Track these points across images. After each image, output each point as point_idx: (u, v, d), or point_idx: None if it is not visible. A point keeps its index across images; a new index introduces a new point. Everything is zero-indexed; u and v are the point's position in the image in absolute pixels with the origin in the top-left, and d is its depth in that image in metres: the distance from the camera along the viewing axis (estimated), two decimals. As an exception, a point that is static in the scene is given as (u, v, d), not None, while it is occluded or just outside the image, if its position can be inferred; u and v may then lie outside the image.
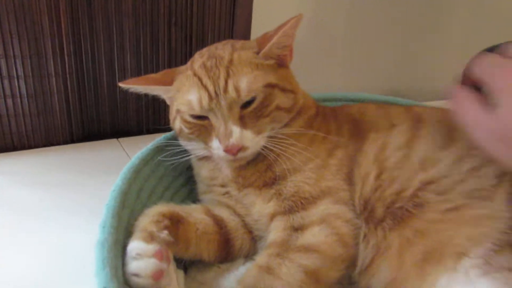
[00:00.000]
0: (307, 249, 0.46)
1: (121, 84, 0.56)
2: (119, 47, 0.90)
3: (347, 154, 0.54)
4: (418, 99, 1.30)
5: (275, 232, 0.49)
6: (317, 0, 1.16)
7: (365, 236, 0.50)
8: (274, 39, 0.52)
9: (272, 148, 0.52)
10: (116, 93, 0.94)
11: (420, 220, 0.47)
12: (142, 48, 0.92)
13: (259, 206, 0.53)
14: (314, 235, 0.47)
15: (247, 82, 0.50)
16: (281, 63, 0.55)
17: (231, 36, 1.01)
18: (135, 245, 0.41)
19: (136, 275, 0.39)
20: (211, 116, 0.52)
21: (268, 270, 0.44)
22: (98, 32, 0.87)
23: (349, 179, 0.53)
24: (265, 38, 0.54)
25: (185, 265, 0.52)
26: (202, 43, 0.98)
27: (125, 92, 0.94)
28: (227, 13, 0.99)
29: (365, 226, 0.50)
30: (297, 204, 0.51)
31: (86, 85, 0.90)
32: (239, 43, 0.56)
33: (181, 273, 0.48)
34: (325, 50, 1.23)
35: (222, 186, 0.57)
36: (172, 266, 0.44)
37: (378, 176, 0.51)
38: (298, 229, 0.48)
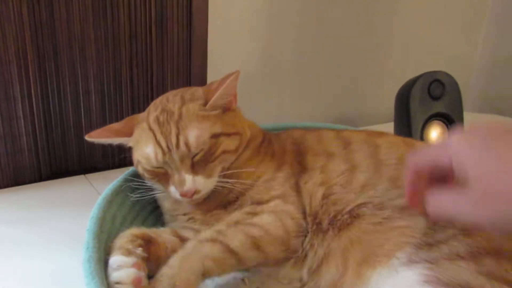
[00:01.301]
0: (253, 225, 0.55)
1: (86, 137, 0.64)
2: (84, 89, 0.97)
3: (292, 169, 0.64)
4: (360, 124, 1.44)
5: (232, 216, 0.58)
6: (266, 35, 1.27)
7: (312, 246, 0.58)
8: (217, 94, 0.60)
9: (224, 185, 0.61)
10: (82, 132, 0.99)
11: (356, 230, 0.56)
12: (106, 89, 0.99)
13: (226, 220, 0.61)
14: (262, 219, 0.56)
15: (195, 137, 0.58)
16: (226, 109, 0.64)
17: (189, 74, 1.10)
18: (116, 259, 0.48)
19: (118, 283, 0.46)
20: (166, 167, 0.60)
21: (218, 230, 0.54)
22: (64, 77, 0.94)
23: (297, 189, 0.62)
24: (211, 90, 0.63)
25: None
26: (162, 82, 1.06)
27: (92, 130, 1.00)
28: (184, 53, 1.08)
29: (313, 236, 0.59)
30: (253, 204, 0.60)
31: (53, 126, 0.96)
32: (188, 94, 0.64)
33: (153, 289, 0.55)
34: (275, 81, 1.33)
35: (185, 214, 0.65)
36: (146, 280, 0.51)
37: (325, 196, 0.60)
38: (250, 213, 0.58)
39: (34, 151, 0.94)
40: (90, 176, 1.00)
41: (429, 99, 1.01)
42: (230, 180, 0.60)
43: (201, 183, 0.59)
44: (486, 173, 0.37)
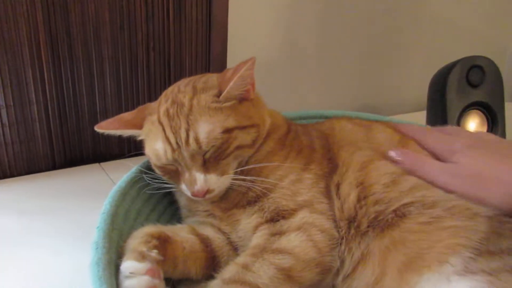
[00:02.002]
0: (280, 251, 0.49)
1: (96, 128, 0.60)
2: (99, 73, 0.92)
3: (322, 170, 0.57)
4: (385, 113, 1.37)
5: (255, 238, 0.52)
6: (288, 23, 1.21)
7: (350, 249, 0.52)
8: (231, 84, 0.54)
9: (241, 183, 0.55)
10: (97, 118, 0.96)
11: (399, 230, 0.50)
12: (121, 73, 0.95)
13: (244, 222, 0.56)
14: (289, 240, 0.50)
15: (206, 133, 0.52)
16: (243, 98, 0.57)
17: (208, 58, 1.05)
18: (128, 265, 0.43)
19: None
20: (176, 164, 0.55)
21: (244, 266, 0.47)
22: (78, 60, 0.89)
23: (327, 193, 0.56)
24: (225, 79, 0.56)
25: (173, 284, 0.54)
26: (180, 67, 1.01)
27: (107, 117, 0.96)
28: (203, 37, 1.03)
29: (351, 241, 0.52)
30: (278, 215, 0.54)
31: (67, 112, 0.92)
32: (201, 82, 0.58)
33: (170, 291, 0.50)
34: (297, 67, 1.28)
35: (204, 210, 0.60)
36: (162, 284, 0.46)
37: (362, 198, 0.54)
38: (276, 234, 0.51)
39: (48, 138, 0.91)
40: (105, 164, 0.97)
41: (467, 87, 0.93)
42: (248, 178, 0.54)
43: (213, 182, 0.54)
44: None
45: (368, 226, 0.52)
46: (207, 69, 1.05)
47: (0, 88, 0.82)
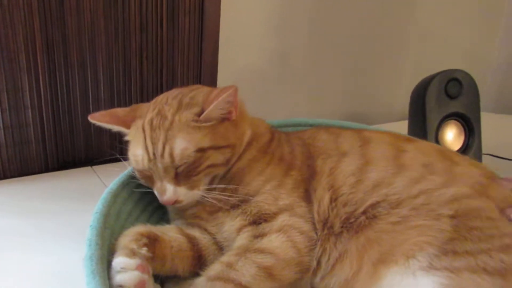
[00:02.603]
0: (262, 251, 0.52)
1: (89, 118, 0.63)
2: (93, 79, 0.95)
3: (301, 175, 0.61)
4: (374, 122, 1.42)
5: (239, 240, 0.56)
6: (279, 33, 1.25)
7: (325, 250, 0.56)
8: (211, 107, 0.57)
9: (216, 197, 0.58)
10: (90, 123, 0.98)
11: (373, 230, 0.54)
12: (115, 81, 0.98)
13: (228, 224, 0.59)
14: (271, 241, 0.53)
15: (180, 149, 0.55)
16: (225, 119, 0.60)
17: (199, 67, 1.08)
18: (119, 260, 0.46)
19: (121, 286, 0.44)
20: (151, 172, 0.59)
21: (228, 264, 0.50)
22: (73, 66, 0.92)
23: (306, 197, 0.60)
24: (208, 100, 0.58)
25: (162, 280, 0.57)
26: (172, 75, 1.04)
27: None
28: (195, 46, 1.06)
29: (325, 241, 0.57)
30: (260, 218, 0.57)
31: (61, 116, 0.94)
32: (188, 97, 0.60)
33: (158, 287, 0.53)
34: (287, 76, 1.31)
35: (191, 213, 0.63)
36: (151, 280, 0.49)
37: (333, 200, 0.58)
38: (258, 236, 0.55)
39: (42, 141, 0.93)
40: (97, 168, 0.99)
41: (446, 98, 0.98)
42: (222, 195, 0.58)
43: (182, 194, 0.57)
44: None
45: (342, 227, 0.55)
46: (198, 77, 1.09)
47: (-4, 93, 0.85)
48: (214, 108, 0.57)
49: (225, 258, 0.53)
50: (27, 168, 0.93)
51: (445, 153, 0.64)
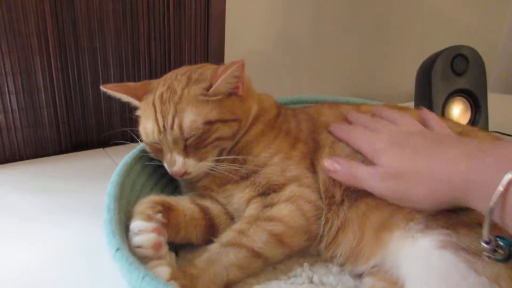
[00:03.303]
0: (272, 219, 0.54)
1: (101, 87, 0.65)
2: (103, 62, 0.97)
3: (307, 148, 0.63)
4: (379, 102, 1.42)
5: (249, 210, 0.58)
6: (284, 15, 1.26)
7: (327, 220, 0.58)
8: (219, 81, 0.59)
9: (225, 169, 0.60)
10: (101, 105, 1.01)
11: (372, 197, 0.55)
12: (124, 63, 1.00)
13: (238, 196, 0.61)
14: (280, 210, 0.56)
15: (189, 122, 0.58)
16: (232, 94, 0.62)
17: (206, 49, 1.10)
18: (137, 224, 0.48)
19: (139, 247, 0.46)
20: (161, 144, 0.61)
21: (240, 231, 0.53)
22: (83, 49, 0.94)
23: (312, 168, 0.62)
24: (216, 75, 0.61)
25: (176, 248, 0.59)
26: (180, 57, 1.06)
27: (110, 104, 1.01)
28: (202, 29, 1.08)
29: (327, 210, 0.58)
30: (269, 188, 0.59)
31: (73, 99, 0.97)
32: (197, 74, 0.63)
33: (173, 254, 0.55)
34: (293, 58, 1.33)
35: (202, 186, 0.65)
36: (166, 246, 0.51)
37: None
38: (267, 206, 0.57)
39: (55, 124, 0.96)
40: (109, 149, 1.02)
41: (452, 75, 0.98)
42: (231, 166, 0.60)
43: (191, 166, 0.60)
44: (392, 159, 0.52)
45: (342, 196, 0.57)
46: (205, 59, 1.10)
47: (10, 76, 0.87)
48: (222, 82, 0.59)
49: (237, 226, 0.55)
50: (41, 150, 0.96)
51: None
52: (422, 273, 0.46)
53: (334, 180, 0.59)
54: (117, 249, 0.38)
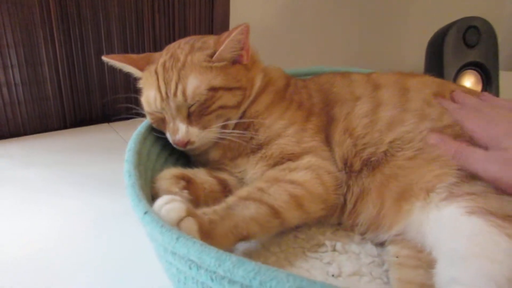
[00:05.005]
0: (293, 182, 0.52)
1: (103, 57, 0.63)
2: (106, 34, 0.94)
3: (321, 122, 0.61)
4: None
5: (267, 173, 0.56)
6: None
7: (349, 187, 0.57)
8: (223, 46, 0.57)
9: (232, 137, 0.58)
10: (105, 79, 0.98)
11: (391, 166, 0.54)
12: (128, 35, 0.97)
13: (250, 172, 0.59)
14: (300, 176, 0.54)
15: (193, 87, 0.56)
16: (236, 61, 0.60)
17: (211, 21, 1.07)
18: (168, 207, 0.43)
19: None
20: (164, 113, 0.59)
21: (259, 188, 0.50)
22: (86, 22, 0.91)
23: (327, 141, 0.60)
24: (219, 41, 0.59)
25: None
26: (185, 28, 1.03)
27: (115, 78, 0.99)
28: (207, 0, 1.05)
29: (347, 179, 0.57)
30: (284, 158, 0.57)
31: (77, 73, 0.94)
32: (200, 42, 0.61)
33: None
34: (299, 31, 1.30)
35: (215, 161, 0.63)
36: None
37: (352, 144, 0.58)
38: (286, 170, 0.55)
39: (59, 98, 0.93)
40: (114, 124, 1.00)
41: (464, 47, 0.97)
42: (237, 132, 0.58)
43: (194, 134, 0.57)
44: None
45: (362, 165, 0.56)
46: (210, 31, 1.07)
47: (12, 48, 0.85)
48: (226, 48, 0.58)
49: (255, 184, 0.53)
50: (46, 125, 0.94)
51: (440, 81, 0.65)
52: (451, 241, 0.45)
53: (353, 151, 0.58)
54: (145, 212, 0.37)
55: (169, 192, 0.49)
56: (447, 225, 0.46)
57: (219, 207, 0.47)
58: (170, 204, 0.42)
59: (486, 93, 0.64)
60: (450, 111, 0.58)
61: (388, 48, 1.48)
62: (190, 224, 0.41)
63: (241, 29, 0.57)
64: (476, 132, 0.54)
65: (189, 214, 0.42)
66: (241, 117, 0.61)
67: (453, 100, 0.62)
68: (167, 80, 0.58)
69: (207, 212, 0.45)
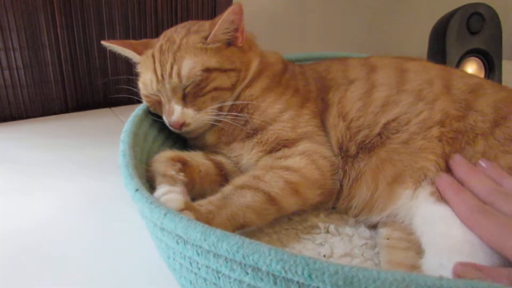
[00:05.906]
0: (288, 168, 0.53)
1: (102, 42, 0.64)
2: (108, 19, 0.95)
3: (317, 108, 0.61)
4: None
5: (262, 161, 0.57)
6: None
7: (345, 173, 0.57)
8: (216, 27, 0.58)
9: (228, 120, 0.59)
10: (107, 64, 0.99)
11: (386, 149, 0.55)
12: (130, 19, 0.97)
13: (245, 157, 0.60)
14: (295, 162, 0.54)
15: (188, 69, 0.57)
16: (231, 44, 0.61)
17: (214, 6, 1.06)
18: (163, 189, 0.46)
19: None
20: (160, 95, 0.60)
21: (255, 176, 0.51)
22: (88, 5, 0.91)
23: (323, 127, 0.61)
24: (213, 23, 0.60)
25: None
26: (187, 13, 1.03)
27: (116, 63, 0.99)
28: (209, -15, 1.04)
29: (344, 164, 0.58)
30: (279, 144, 0.57)
31: (78, 56, 0.95)
32: (196, 26, 0.62)
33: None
34: (301, 19, 1.29)
35: (211, 145, 0.64)
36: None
37: (346, 127, 0.58)
38: (281, 157, 0.55)
39: (61, 81, 0.94)
40: (116, 109, 1.00)
41: (467, 34, 0.96)
42: (231, 114, 0.58)
43: (189, 116, 0.58)
44: None
45: (358, 149, 0.57)
46: (213, 16, 1.07)
47: (14, 31, 0.85)
48: (219, 28, 0.58)
49: (251, 172, 0.53)
50: (48, 109, 0.94)
51: (440, 66, 0.64)
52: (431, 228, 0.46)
53: (347, 135, 0.58)
54: (136, 190, 0.38)
55: (165, 177, 0.50)
56: (433, 214, 0.48)
57: (214, 197, 0.48)
58: (169, 195, 0.43)
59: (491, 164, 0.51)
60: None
61: (392, 34, 1.47)
62: (188, 215, 0.41)
63: (233, 8, 0.58)
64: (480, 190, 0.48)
65: (187, 207, 0.43)
66: (235, 100, 0.61)
67: (455, 174, 0.52)
68: (163, 62, 0.59)
69: (202, 203, 0.46)
